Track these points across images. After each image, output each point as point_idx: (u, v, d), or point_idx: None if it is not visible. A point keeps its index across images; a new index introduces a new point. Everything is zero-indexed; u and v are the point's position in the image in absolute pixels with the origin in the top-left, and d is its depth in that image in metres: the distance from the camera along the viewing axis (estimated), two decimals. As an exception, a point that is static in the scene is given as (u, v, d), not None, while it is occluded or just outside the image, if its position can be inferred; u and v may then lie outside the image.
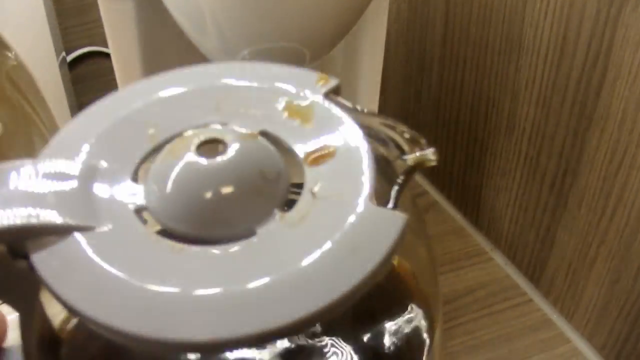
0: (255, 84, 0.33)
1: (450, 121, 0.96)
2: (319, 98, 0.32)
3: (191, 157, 0.28)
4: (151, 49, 0.70)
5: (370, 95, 0.79)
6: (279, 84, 0.33)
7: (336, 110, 0.32)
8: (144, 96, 0.33)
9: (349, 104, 0.32)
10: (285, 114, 0.32)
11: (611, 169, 0.69)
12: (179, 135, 0.31)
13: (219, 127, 0.31)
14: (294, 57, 0.61)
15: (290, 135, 0.31)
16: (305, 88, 0.33)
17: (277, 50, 0.60)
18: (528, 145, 0.81)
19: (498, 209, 0.90)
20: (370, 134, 0.31)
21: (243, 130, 0.30)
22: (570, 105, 0.72)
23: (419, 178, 1.07)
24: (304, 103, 0.32)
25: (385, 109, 1.13)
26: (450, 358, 0.76)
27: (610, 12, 0.65)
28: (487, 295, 0.85)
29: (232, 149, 0.28)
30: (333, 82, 0.33)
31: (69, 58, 1.13)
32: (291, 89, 0.33)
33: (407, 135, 0.30)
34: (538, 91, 0.77)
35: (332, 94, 0.33)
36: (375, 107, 0.80)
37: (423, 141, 0.30)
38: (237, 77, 0.34)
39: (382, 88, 1.11)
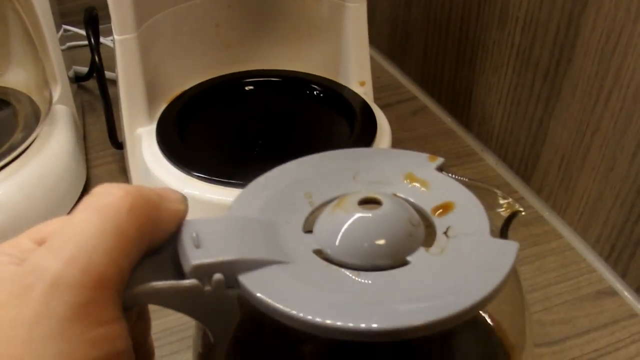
0: (381, 162, 0.44)
1: (441, 21, 0.93)
2: (432, 171, 0.43)
3: (358, 209, 0.38)
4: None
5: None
6: (399, 162, 0.44)
7: (447, 178, 0.42)
8: (300, 171, 0.44)
9: (454, 175, 0.43)
10: (408, 182, 0.43)
11: (607, 50, 0.66)
12: (333, 199, 0.41)
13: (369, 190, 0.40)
14: None
15: (417, 197, 0.41)
16: (420, 164, 0.44)
17: None
18: (521, 37, 0.78)
19: (489, 107, 0.87)
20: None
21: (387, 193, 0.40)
22: (565, -13, 0.70)
23: (407, 84, 1.05)
24: (421, 174, 0.43)
25: (373, 18, 1.11)
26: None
27: None
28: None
29: (386, 205, 0.38)
30: (440, 160, 0.44)
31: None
32: (410, 164, 0.44)
33: (498, 192, 0.43)
34: (532, -23, 0.74)
35: (440, 169, 0.44)
36: (363, 7, 0.77)
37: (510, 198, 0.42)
38: (368, 157, 0.46)
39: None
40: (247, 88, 0.79)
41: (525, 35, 0.77)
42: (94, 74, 0.86)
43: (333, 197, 0.41)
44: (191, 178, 0.65)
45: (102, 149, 0.88)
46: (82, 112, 0.95)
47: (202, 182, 0.64)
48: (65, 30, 0.98)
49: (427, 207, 0.40)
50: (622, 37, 0.64)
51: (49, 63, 0.80)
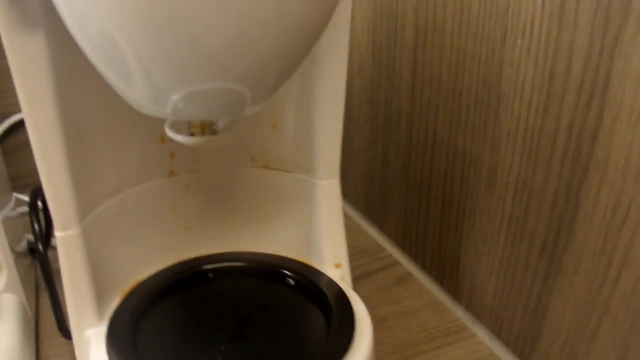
0: None
1: (422, 182, 0.87)
2: None
3: None
4: (69, 112, 0.59)
5: (329, 156, 0.68)
6: None
7: None
8: None
9: None
10: None
11: (614, 225, 0.59)
12: None
13: None
14: (232, 99, 0.51)
15: None
16: None
17: (211, 93, 0.50)
18: (513, 204, 0.71)
19: (480, 277, 0.80)
20: None
21: None
22: (561, 154, 0.63)
23: (389, 247, 0.98)
24: None
25: (348, 173, 1.05)
26: None
27: (605, 42, 0.56)
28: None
29: None
30: None
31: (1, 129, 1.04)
32: None
33: None
34: (522, 141, 0.68)
35: None
36: (336, 169, 0.70)
37: None
38: None
39: (346, 150, 1.03)
40: (209, 275, 0.71)
41: (518, 202, 0.70)
42: (50, 245, 0.78)
43: None
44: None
45: (56, 337, 0.78)
46: (36, 289, 0.88)
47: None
48: (18, 200, 0.92)
49: None
50: (631, 211, 0.57)
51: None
